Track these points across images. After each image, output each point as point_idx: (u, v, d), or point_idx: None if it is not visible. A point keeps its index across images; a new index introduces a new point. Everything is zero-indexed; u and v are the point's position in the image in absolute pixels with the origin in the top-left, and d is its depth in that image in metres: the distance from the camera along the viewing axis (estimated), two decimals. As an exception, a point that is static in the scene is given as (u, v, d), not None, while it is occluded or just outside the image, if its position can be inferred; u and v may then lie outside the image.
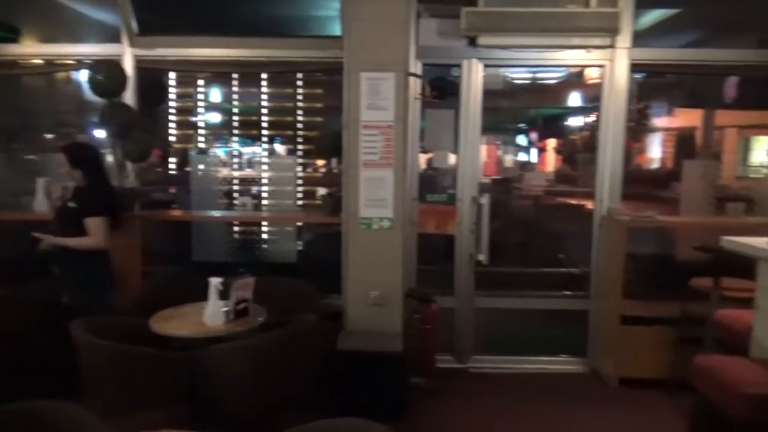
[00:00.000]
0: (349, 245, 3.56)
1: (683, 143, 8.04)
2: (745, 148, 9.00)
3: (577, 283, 4.31)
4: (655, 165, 8.85)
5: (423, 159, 4.62)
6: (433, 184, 4.45)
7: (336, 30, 3.95)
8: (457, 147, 4.07)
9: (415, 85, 3.91)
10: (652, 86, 6.02)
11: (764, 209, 4.15)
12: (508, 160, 8.69)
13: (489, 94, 4.30)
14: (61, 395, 1.85)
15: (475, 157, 4.07)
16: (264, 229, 4.58)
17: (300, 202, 4.53)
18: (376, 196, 3.51)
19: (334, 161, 4.52)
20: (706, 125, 8.26)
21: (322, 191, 4.57)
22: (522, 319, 4.24)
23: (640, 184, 6.46)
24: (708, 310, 3.18)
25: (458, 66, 4.03)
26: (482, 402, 3.61)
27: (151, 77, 4.39)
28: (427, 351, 3.78)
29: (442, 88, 4.10)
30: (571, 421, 3.37)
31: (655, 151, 9.09)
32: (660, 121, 8.21)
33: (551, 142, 8.99)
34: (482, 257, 4.00)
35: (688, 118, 8.20)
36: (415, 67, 3.93)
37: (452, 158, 4.17)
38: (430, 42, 4.00)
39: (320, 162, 5.60)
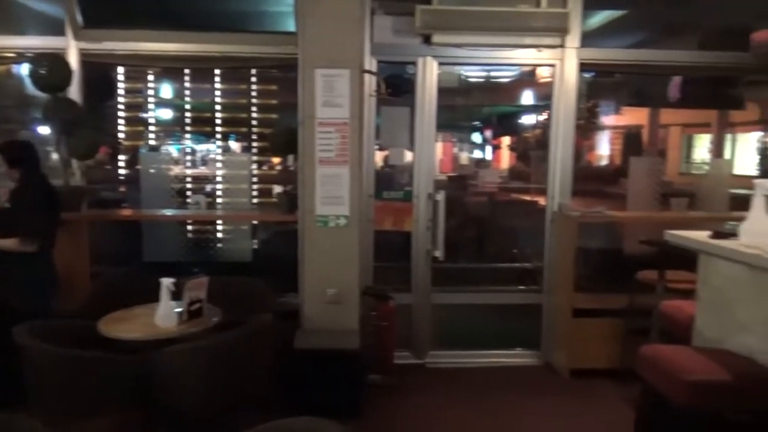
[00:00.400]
0: (305, 243, 3.54)
1: (630, 141, 8.33)
2: (688, 146, 9.40)
3: (530, 277, 4.41)
4: (604, 162, 9.14)
5: (380, 156, 4.63)
6: (390, 182, 4.47)
7: (290, 26, 3.91)
8: (412, 144, 4.09)
9: (370, 83, 3.91)
10: (601, 85, 6.21)
11: (705, 204, 4.34)
12: (464, 157, 8.83)
13: (444, 91, 4.33)
14: (3, 404, 1.77)
15: (431, 154, 4.10)
16: (219, 227, 4.50)
17: (255, 200, 4.47)
18: (332, 194, 3.49)
19: (290, 158, 4.47)
20: (651, 123, 8.58)
21: (278, 189, 4.52)
22: (478, 313, 4.31)
23: (590, 180, 6.67)
24: (654, 301, 3.30)
25: (413, 63, 4.05)
26: (439, 397, 3.65)
27: (98, 72, 4.24)
28: (384, 348, 3.79)
29: (398, 86, 4.12)
30: (524, 412, 3.45)
31: (604, 149, 9.39)
32: (608, 120, 8.48)
33: (505, 140, 9.17)
34: (438, 253, 4.04)
35: (635, 116, 8.50)
36: (370, 64, 3.93)
37: (408, 155, 4.19)
38: (385, 39, 4.01)
39: (276, 159, 5.54)
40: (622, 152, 8.30)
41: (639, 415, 2.25)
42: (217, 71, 4.53)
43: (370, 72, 3.88)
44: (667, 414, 2.03)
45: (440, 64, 4.07)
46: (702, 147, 9.20)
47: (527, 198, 5.82)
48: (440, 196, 4.03)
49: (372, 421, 3.29)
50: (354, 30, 3.46)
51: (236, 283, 3.42)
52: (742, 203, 2.39)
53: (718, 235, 2.38)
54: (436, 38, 3.94)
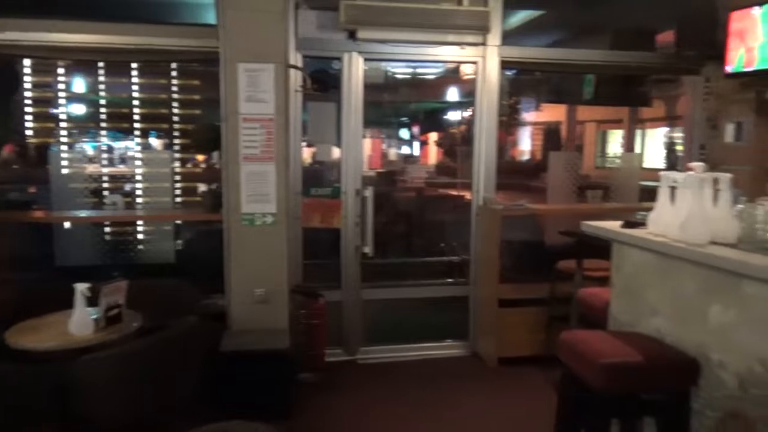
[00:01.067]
0: (231, 242, 3.44)
1: (550, 136, 8.70)
2: (603, 141, 9.93)
3: (458, 270, 4.51)
4: (527, 157, 9.50)
5: (308, 153, 4.58)
6: (319, 178, 4.44)
7: (211, 18, 3.78)
8: (340, 140, 4.08)
9: (296, 78, 3.85)
10: (522, 83, 6.44)
11: (618, 195, 4.59)
12: (392, 153, 8.90)
13: (371, 87, 4.34)
14: None
15: (358, 150, 4.10)
16: (139, 228, 4.31)
17: (179, 200, 4.31)
18: (258, 191, 3.42)
19: (216, 156, 4.35)
20: (569, 120, 8.98)
21: (203, 188, 4.39)
22: (408, 308, 4.36)
23: (513, 174, 6.90)
24: (573, 289, 3.46)
25: (339, 59, 4.03)
26: (371, 392, 3.67)
27: (1, 64, 3.95)
28: (315, 346, 3.77)
29: (324, 81, 4.08)
30: (454, 402, 3.53)
31: (526, 144, 9.76)
32: (529, 116, 8.81)
33: (433, 136, 9.32)
34: (368, 249, 4.05)
35: (554, 113, 8.89)
36: (296, 59, 3.88)
37: (336, 152, 4.17)
38: (310, 34, 3.96)
39: (200, 157, 5.37)
40: (543, 147, 8.65)
41: (560, 398, 2.34)
42: (134, 65, 4.33)
43: (295, 67, 3.82)
44: (585, 396, 2.13)
45: (366, 59, 4.07)
46: (615, 142, 9.72)
47: (454, 193, 5.95)
48: (368, 192, 4.04)
49: (304, 421, 3.26)
50: (277, 24, 3.39)
51: (158, 285, 3.29)
52: (650, 194, 2.54)
53: (628, 224, 2.53)
54: (361, 34, 3.93)
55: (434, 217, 5.90)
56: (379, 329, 4.33)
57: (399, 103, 7.73)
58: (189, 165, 4.89)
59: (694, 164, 2.42)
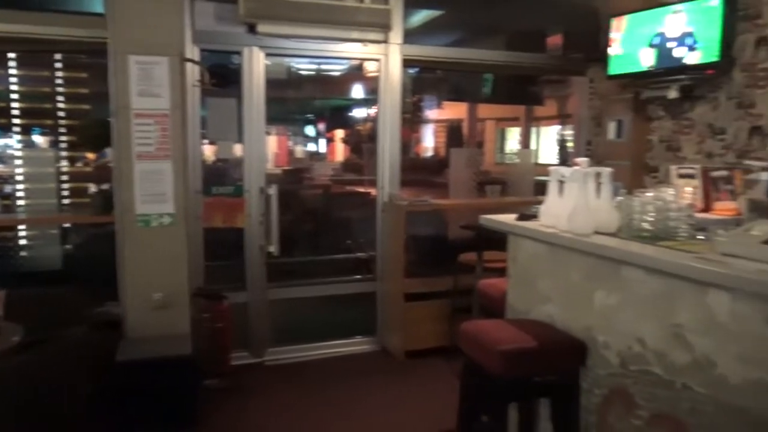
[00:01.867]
0: (125, 245, 3.25)
1: (453, 133, 8.96)
2: (502, 138, 10.36)
3: (365, 266, 4.54)
4: (431, 153, 9.72)
5: (210, 150, 4.42)
6: (223, 176, 4.29)
7: (97, 6, 3.54)
8: (241, 137, 3.97)
9: (193, 72, 3.70)
10: (425, 81, 6.58)
11: (515, 190, 4.82)
12: (299, 150, 8.79)
13: (274, 83, 4.25)
14: None
15: (261, 147, 4.01)
16: (21, 234, 3.97)
17: (67, 201, 4.01)
18: (154, 191, 3.25)
19: (110, 154, 4.08)
20: (470, 117, 9.29)
21: (95, 188, 4.11)
22: (315, 306, 4.33)
23: (418, 171, 7.04)
24: (474, 281, 3.60)
25: (239, 53, 3.92)
26: (279, 393, 3.61)
27: None
28: (219, 350, 3.65)
29: (223, 76, 3.95)
30: (364, 397, 3.56)
31: (430, 141, 9.99)
32: (433, 113, 9.03)
33: (339, 133, 9.30)
34: (273, 248, 3.98)
35: (457, 111, 9.16)
36: (192, 52, 3.72)
37: (240, 149, 4.05)
38: (207, 27, 3.82)
39: (91, 155, 5.03)
40: (446, 144, 8.89)
41: (462, 386, 2.42)
42: (11, 55, 3.98)
43: (192, 61, 3.66)
44: (484, 382, 2.22)
45: (267, 54, 3.99)
46: (513, 139, 10.17)
47: (361, 189, 5.97)
48: (273, 190, 3.96)
49: (212, 428, 3.15)
50: (172, 14, 3.23)
51: (42, 295, 3.04)
52: (545, 188, 2.67)
53: (522, 217, 2.66)
54: (262, 28, 3.85)
55: (341, 214, 5.90)
56: (287, 329, 4.27)
57: (304, 100, 7.65)
58: (79, 164, 4.56)
59: (580, 160, 2.59)
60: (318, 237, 5.61)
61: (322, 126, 8.90)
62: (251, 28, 3.87)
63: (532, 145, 8.48)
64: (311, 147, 9.07)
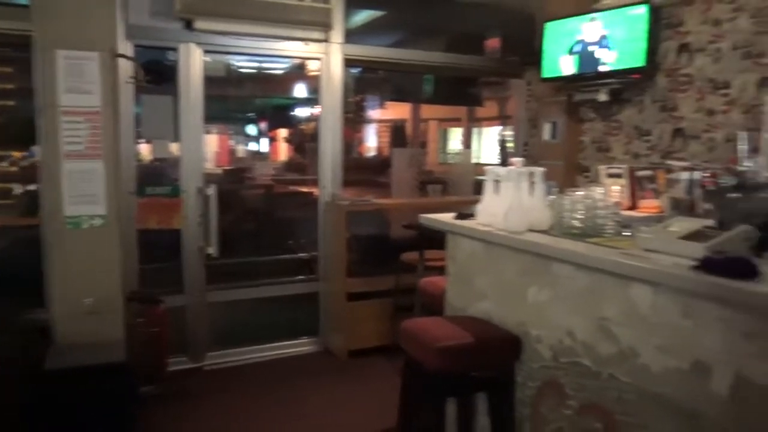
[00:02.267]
0: (53, 249, 3.09)
1: (396, 133, 9.02)
2: (445, 138, 10.52)
3: (307, 267, 4.51)
4: (374, 153, 9.76)
5: (147, 149, 4.28)
6: (160, 176, 4.16)
7: (22, -3, 3.37)
8: (178, 136, 3.86)
9: (126, 68, 3.57)
10: (367, 81, 6.60)
11: (456, 189, 4.91)
12: (241, 150, 8.63)
13: (213, 81, 4.16)
14: None
15: (199, 146, 3.91)
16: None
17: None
18: (84, 191, 3.11)
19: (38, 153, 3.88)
20: (414, 118, 9.38)
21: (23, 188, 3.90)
22: (257, 308, 4.27)
23: (361, 171, 7.05)
24: (415, 279, 3.64)
25: (175, 49, 3.81)
26: (220, 398, 3.54)
27: None
28: (156, 355, 3.53)
29: (159, 73, 3.83)
30: (306, 398, 3.53)
31: (374, 141, 10.03)
32: (376, 113, 9.06)
33: (282, 132, 9.19)
34: (212, 250, 3.89)
35: (400, 111, 9.22)
36: (126, 48, 3.59)
37: (175, 148, 3.94)
38: (142, 21, 3.69)
39: (17, 154, 4.77)
40: (390, 144, 8.94)
41: (402, 383, 2.45)
42: None
43: (124, 56, 3.53)
44: (424, 379, 2.25)
45: (205, 51, 3.90)
46: (456, 139, 10.33)
47: (304, 189, 5.93)
48: (211, 190, 3.87)
49: (147, 436, 3.06)
50: (103, 8, 3.10)
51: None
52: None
53: (460, 216, 2.71)
54: (199, 24, 3.76)
55: (284, 214, 5.84)
56: (228, 332, 4.19)
57: (245, 98, 7.52)
58: (5, 163, 4.33)
59: (515, 160, 2.67)
60: (260, 237, 5.53)
61: (264, 125, 8.77)
62: (188, 24, 3.78)
63: (474, 146, 8.65)
64: (253, 146, 8.93)
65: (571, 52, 4.07)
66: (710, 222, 1.94)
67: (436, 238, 3.15)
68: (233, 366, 4.03)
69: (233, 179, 6.38)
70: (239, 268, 4.52)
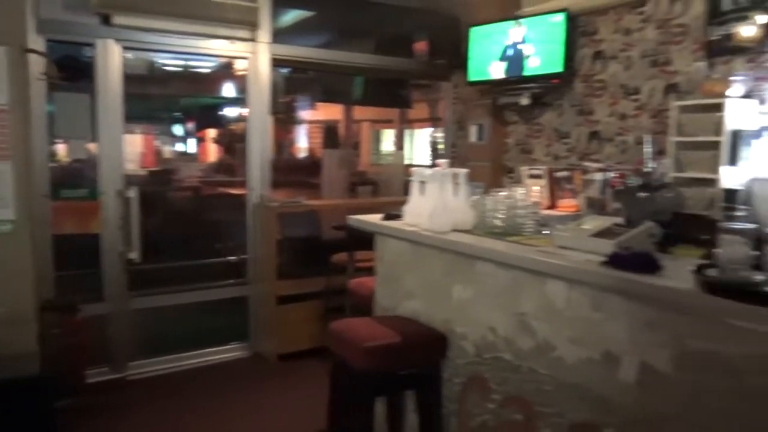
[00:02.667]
0: (-46, 257, 2.88)
1: (329, 134, 9.00)
2: (377, 140, 10.59)
3: (237, 270, 4.41)
4: (307, 154, 9.69)
5: (64, 150, 4.06)
6: (78, 178, 3.95)
7: None
8: (96, 136, 3.68)
9: (38, 64, 3.37)
10: (298, 81, 6.54)
11: (387, 190, 4.95)
12: (167, 150, 8.33)
13: (135, 79, 4.00)
14: None
15: (118, 146, 3.74)
16: None
17: None
18: (-10, 195, 2.92)
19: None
20: (347, 119, 9.39)
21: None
22: (184, 314, 4.15)
23: (294, 172, 6.98)
24: (345, 280, 3.64)
25: (91, 45, 3.64)
26: (145, 409, 3.41)
27: None
28: (74, 367, 3.36)
29: (74, 69, 3.65)
30: (236, 405, 3.46)
31: (306, 142, 9.96)
32: (308, 114, 8.99)
33: (211, 132, 8.95)
34: (134, 255, 3.74)
35: (333, 112, 9.21)
36: (37, 42, 3.39)
37: (93, 148, 3.76)
38: (55, 15, 3.50)
39: None
40: (323, 145, 8.90)
41: (331, 384, 2.45)
42: None
43: (35, 51, 3.34)
44: (352, 379, 2.26)
45: (125, 48, 3.74)
46: (388, 140, 10.42)
47: (234, 191, 5.80)
48: (133, 193, 3.72)
49: (62, 452, 2.90)
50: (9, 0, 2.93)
51: None
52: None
53: (388, 217, 2.74)
54: (117, 19, 3.61)
55: (212, 216, 5.69)
56: (153, 340, 4.04)
57: (171, 98, 7.27)
58: None
59: (440, 161, 2.73)
60: (187, 241, 5.35)
61: (192, 125, 8.51)
62: (105, 19, 3.62)
63: (406, 147, 8.75)
64: (181, 147, 8.65)
65: (502, 58, 4.20)
66: (619, 220, 2.06)
67: (365, 239, 3.16)
68: (159, 375, 3.89)
69: (159, 181, 6.15)
70: (165, 273, 4.37)
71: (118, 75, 3.69)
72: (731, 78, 3.03)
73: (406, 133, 8.97)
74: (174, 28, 3.80)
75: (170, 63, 5.86)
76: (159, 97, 6.81)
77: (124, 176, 3.76)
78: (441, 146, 5.63)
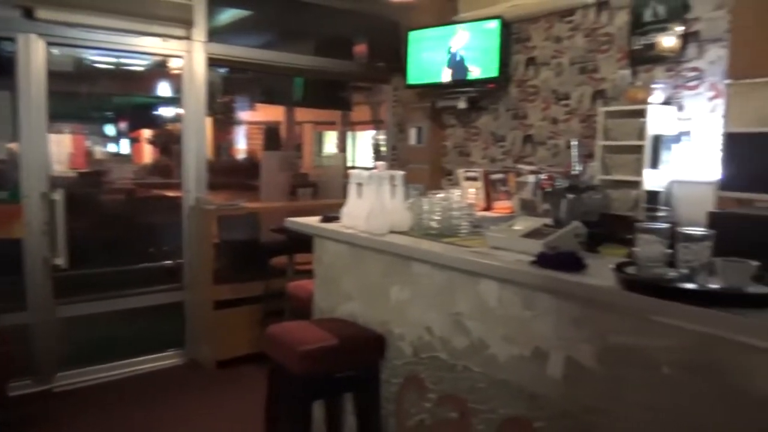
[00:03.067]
0: None
1: (270, 136, 8.87)
2: (320, 141, 10.54)
3: (172, 275, 4.28)
4: (248, 156, 9.52)
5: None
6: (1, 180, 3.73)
7: None
8: (18, 135, 3.49)
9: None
10: (237, 82, 6.42)
11: (327, 192, 4.93)
12: (100, 151, 7.98)
13: (62, 76, 3.81)
14: None
15: (42, 147, 3.55)
16: None
17: None
18: None
19: None
20: (288, 120, 9.29)
21: None
22: (116, 321, 3.97)
23: (234, 174, 6.84)
24: (284, 284, 3.60)
25: (12, 40, 3.44)
26: (72, 422, 3.24)
27: None
28: (-7, 380, 3.17)
29: (-8, 65, 3.45)
30: (170, 414, 3.35)
31: (247, 143, 9.78)
32: (249, 115, 8.84)
33: (146, 133, 8.65)
34: (60, 261, 3.56)
35: (274, 113, 9.09)
36: (-51, 36, 3.19)
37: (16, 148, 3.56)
38: (-30, 7, 3.30)
39: None
40: (264, 147, 8.77)
41: (268, 389, 2.42)
42: None
43: (-52, 45, 3.14)
44: (289, 383, 2.23)
45: (49, 44, 3.56)
46: (331, 143, 10.39)
47: (170, 193, 5.63)
48: (58, 195, 3.54)
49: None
50: None
51: None
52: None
53: (325, 219, 2.73)
54: (41, 13, 3.43)
55: (147, 219, 5.50)
56: (82, 350, 3.86)
57: (103, 96, 6.97)
58: None
59: (378, 163, 2.74)
60: (120, 245, 5.15)
61: (125, 125, 8.20)
62: (28, 13, 3.43)
63: (349, 149, 8.74)
64: (114, 148, 8.31)
65: (449, 64, 4.25)
66: (548, 221, 2.13)
67: (305, 241, 3.13)
68: (88, 386, 3.72)
69: (90, 183, 5.89)
70: (95, 279, 4.19)
71: (41, 72, 3.51)
72: (652, 85, 3.19)
73: (349, 135, 8.97)
74: (103, 24, 3.65)
75: (101, 60, 5.62)
76: (89, 96, 6.51)
77: (49, 178, 3.57)
78: (383, 148, 5.66)
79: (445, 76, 4.27)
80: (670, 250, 1.51)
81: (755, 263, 1.41)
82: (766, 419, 1.29)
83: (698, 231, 1.47)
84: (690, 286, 1.41)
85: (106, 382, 3.78)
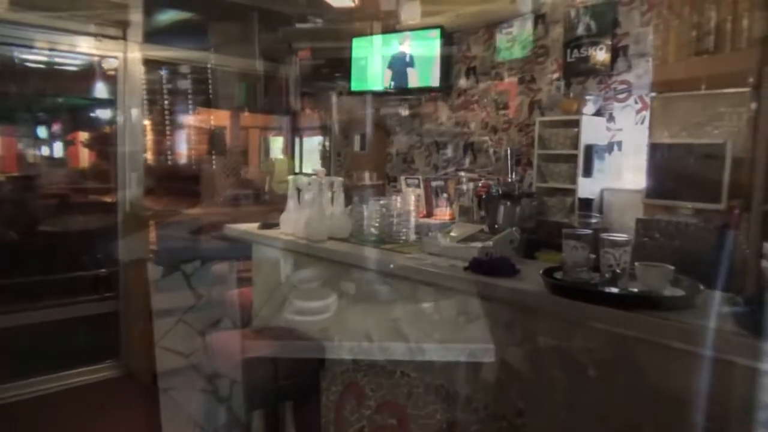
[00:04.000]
0: None
1: (215, 140, 8.70)
2: (266, 147, 10.41)
3: (106, 284, 4.12)
4: (191, 161, 9.30)
5: None
6: None
7: None
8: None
9: None
10: (179, 85, 6.26)
11: (272, 198, 4.87)
12: (33, 155, 7.61)
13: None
14: None
15: (-36, 150, 3.37)
16: None
17: None
18: None
19: None
20: (233, 125, 9.13)
21: None
22: (43, 333, 3.78)
23: (174, 179, 6.66)
24: (223, 291, 3.52)
25: (-71, 36, 3.26)
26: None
27: None
28: None
29: None
30: (104, 429, 3.22)
31: (191, 148, 9.56)
32: (192, 119, 8.64)
33: (83, 135, 8.31)
34: (-15, 270, 3.37)
35: (219, 117, 8.92)
36: None
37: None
38: None
39: None
40: (208, 151, 8.58)
41: (208, 400, 2.36)
42: None
43: None
44: (228, 393, 2.19)
45: (-29, 41, 3.39)
46: (277, 148, 10.27)
47: (107, 199, 5.42)
48: (-19, 201, 3.36)
49: None
50: None
51: None
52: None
53: (264, 225, 2.70)
54: (-38, 9, 3.26)
55: (82, 225, 5.26)
56: (13, 363, 3.65)
57: (35, 97, 6.64)
58: None
59: (318, 170, 2.73)
60: (51, 253, 4.91)
61: (59, 127, 7.84)
62: (-52, 8, 3.25)
63: (296, 155, 8.67)
64: (47, 151, 7.93)
65: (392, 72, 4.28)
66: (484, 227, 2.18)
67: (248, 248, 3.09)
68: (13, 402, 3.52)
69: (20, 187, 5.60)
70: (23, 289, 3.97)
71: (-38, 70, 3.33)
72: (585, 97, 3.32)
73: (297, 141, 8.89)
74: (33, 21, 3.51)
75: (31, 59, 5.37)
76: (20, 96, 6.20)
77: (-32, 183, 3.38)
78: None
79: (388, 83, 4.31)
80: (593, 256, 1.57)
81: (672, 267, 1.49)
82: (679, 415, 1.36)
83: (619, 237, 1.53)
84: (611, 289, 1.48)
85: (38, 396, 3.60)
